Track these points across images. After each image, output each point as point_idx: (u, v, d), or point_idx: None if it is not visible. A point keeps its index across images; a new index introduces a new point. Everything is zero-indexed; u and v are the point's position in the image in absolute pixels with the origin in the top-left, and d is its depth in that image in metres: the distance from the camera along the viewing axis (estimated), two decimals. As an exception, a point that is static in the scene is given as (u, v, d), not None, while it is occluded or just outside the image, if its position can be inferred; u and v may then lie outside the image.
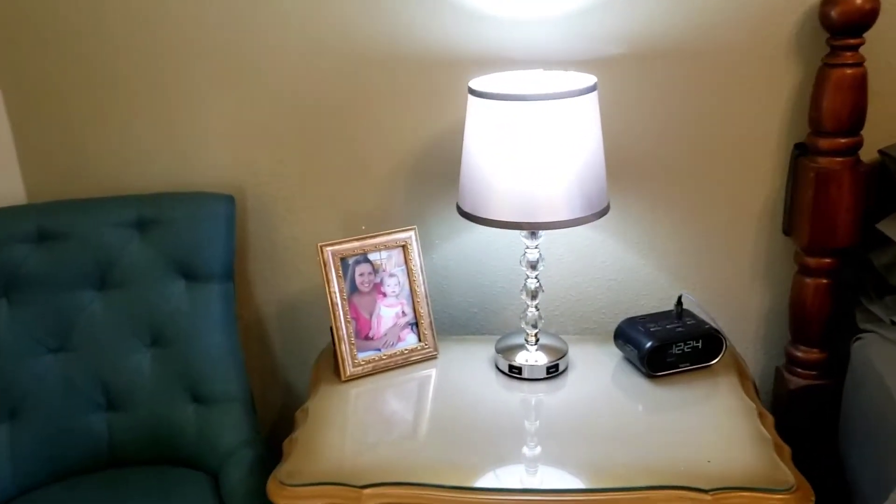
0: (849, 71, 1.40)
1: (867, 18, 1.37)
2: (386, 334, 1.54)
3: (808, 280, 1.53)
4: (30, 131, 1.68)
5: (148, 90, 1.63)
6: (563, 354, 1.51)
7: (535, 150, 1.31)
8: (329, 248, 1.50)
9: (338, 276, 1.50)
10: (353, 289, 1.52)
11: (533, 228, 1.39)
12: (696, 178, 1.60)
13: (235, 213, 1.63)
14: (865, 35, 1.39)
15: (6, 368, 1.52)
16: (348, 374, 1.50)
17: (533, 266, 1.47)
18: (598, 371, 1.51)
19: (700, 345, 1.47)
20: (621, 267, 1.67)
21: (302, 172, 1.66)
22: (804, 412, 1.56)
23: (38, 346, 1.55)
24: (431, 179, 1.64)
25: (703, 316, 1.53)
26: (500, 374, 1.51)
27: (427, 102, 1.59)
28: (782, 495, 1.16)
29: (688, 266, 1.65)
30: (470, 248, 1.68)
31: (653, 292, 1.68)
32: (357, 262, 1.53)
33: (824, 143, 1.46)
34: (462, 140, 1.41)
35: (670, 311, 1.54)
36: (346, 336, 1.50)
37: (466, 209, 1.40)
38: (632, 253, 1.65)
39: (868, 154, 1.48)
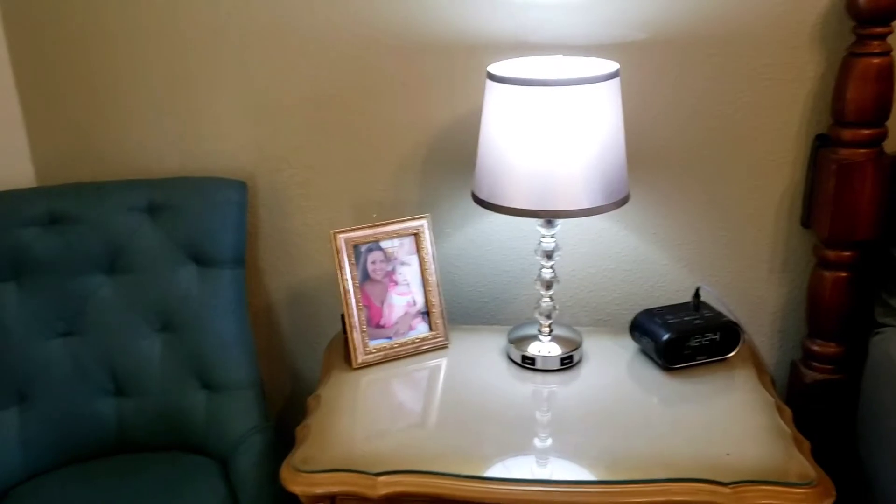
0: (875, 60, 1.38)
1: (896, 6, 1.35)
2: (397, 323, 1.53)
3: (827, 273, 1.51)
4: (40, 113, 1.66)
5: (162, 74, 1.61)
6: (578, 346, 1.49)
7: (554, 136, 1.28)
8: (342, 236, 1.48)
9: (350, 264, 1.49)
10: (365, 276, 1.51)
11: (551, 217, 1.37)
12: (716, 169, 1.57)
13: (248, 199, 1.61)
14: (893, 24, 1.37)
15: (15, 352, 1.52)
16: (360, 361, 1.48)
17: (548, 256, 1.45)
18: (614, 363, 1.49)
19: (718, 337, 1.45)
20: (637, 258, 1.65)
21: (315, 159, 1.64)
22: (820, 406, 1.54)
23: (47, 331, 1.54)
24: (446, 167, 1.62)
25: (720, 308, 1.51)
26: (513, 365, 1.49)
27: (443, 89, 1.57)
28: (803, 489, 1.14)
29: (705, 258, 1.63)
30: (483, 237, 1.66)
31: (669, 284, 1.66)
32: (370, 250, 1.51)
33: (847, 134, 1.43)
34: (478, 127, 1.38)
35: (687, 303, 1.52)
36: (357, 324, 1.48)
37: (482, 197, 1.38)
38: (648, 244, 1.63)
39: (892, 145, 1.46)
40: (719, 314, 1.49)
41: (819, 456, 1.23)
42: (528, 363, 1.48)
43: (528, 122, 1.29)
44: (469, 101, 1.55)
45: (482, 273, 1.69)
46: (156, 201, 1.57)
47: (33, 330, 1.53)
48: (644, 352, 1.50)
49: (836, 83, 1.44)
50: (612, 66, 1.34)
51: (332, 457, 1.23)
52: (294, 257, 1.72)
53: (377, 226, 1.51)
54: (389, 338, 1.52)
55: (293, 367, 1.80)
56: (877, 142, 1.43)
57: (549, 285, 1.47)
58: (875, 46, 1.37)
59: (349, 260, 1.48)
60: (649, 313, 1.50)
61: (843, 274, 1.50)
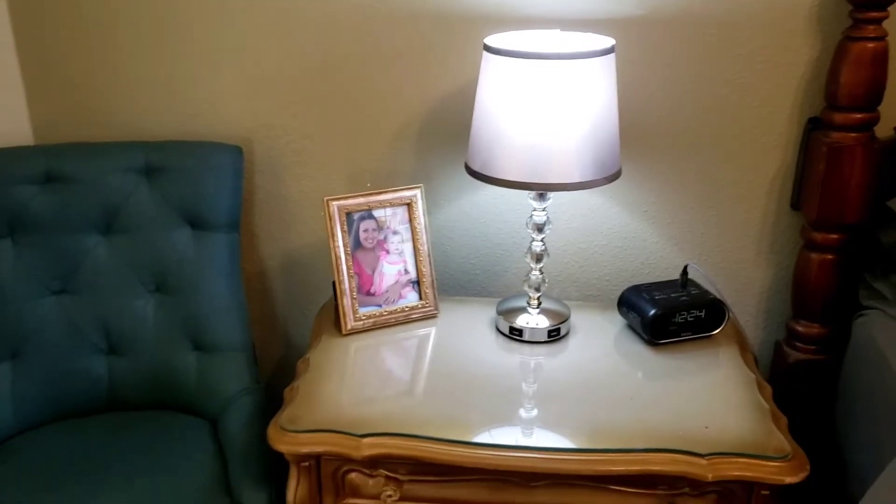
0: (870, 45, 1.39)
1: (892, -9, 1.35)
2: (387, 291, 1.54)
3: (814, 255, 1.53)
4: (39, 72, 1.66)
5: (163, 38, 1.61)
6: (566, 319, 1.51)
7: (548, 110, 1.29)
8: (335, 203, 1.50)
9: (342, 231, 1.50)
10: (357, 244, 1.52)
11: (543, 189, 1.38)
12: (708, 149, 1.59)
13: (244, 164, 1.62)
14: (890, 9, 1.37)
15: (9, 309, 1.53)
16: (349, 327, 1.50)
17: (539, 229, 1.47)
18: (600, 337, 1.51)
19: (703, 314, 1.47)
20: (628, 235, 1.66)
21: (311, 127, 1.65)
22: (801, 386, 1.57)
23: (41, 288, 1.55)
24: (441, 139, 1.63)
25: (707, 286, 1.53)
26: (501, 336, 1.51)
27: (440, 60, 1.57)
28: (778, 463, 1.17)
29: (695, 237, 1.65)
30: (475, 209, 1.68)
31: (658, 262, 1.67)
32: (362, 218, 1.52)
33: (839, 117, 1.44)
34: (473, 100, 1.39)
35: (675, 281, 1.54)
36: (348, 290, 1.50)
37: (476, 168, 1.39)
38: (639, 221, 1.65)
39: (884, 130, 1.47)
40: (706, 292, 1.51)
41: (797, 434, 1.25)
42: (515, 334, 1.50)
43: (522, 94, 1.30)
44: (465, 73, 1.55)
45: (474, 245, 1.71)
46: (153, 163, 1.58)
47: (28, 287, 1.54)
48: (631, 327, 1.52)
49: (830, 67, 1.45)
50: (608, 41, 1.35)
51: (318, 418, 1.25)
52: (288, 224, 1.73)
53: (370, 194, 1.52)
54: (379, 305, 1.54)
55: (285, 333, 1.83)
56: (868, 126, 1.44)
57: (539, 258, 1.49)
58: (870, 31, 1.38)
59: (341, 227, 1.50)
60: (637, 289, 1.52)
61: (830, 256, 1.52)
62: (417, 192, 1.55)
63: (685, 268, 1.54)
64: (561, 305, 1.55)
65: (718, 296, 1.50)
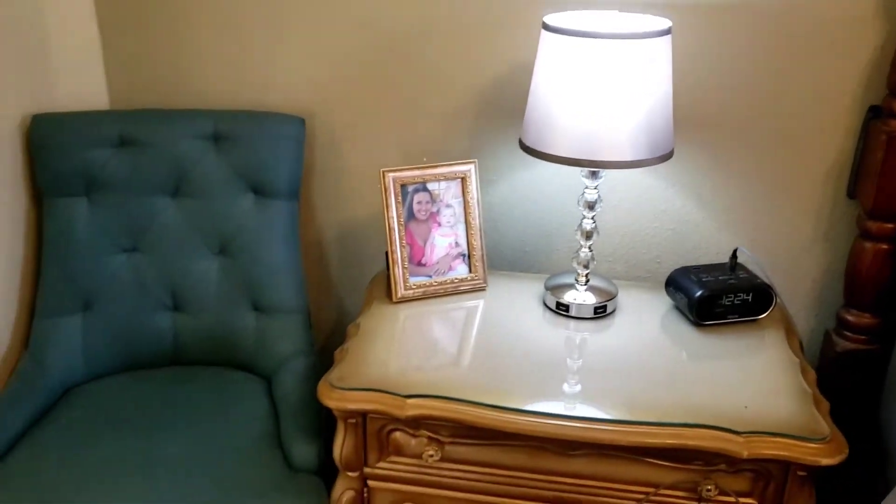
0: (935, 31, 1.36)
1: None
2: (438, 262, 1.59)
3: (868, 244, 1.51)
4: (117, 41, 1.74)
5: (235, 13, 1.68)
6: (613, 297, 1.53)
7: (605, 88, 1.31)
8: (391, 175, 1.54)
9: (397, 202, 1.55)
10: (411, 216, 1.57)
11: (595, 167, 1.40)
12: (765, 134, 1.58)
13: (305, 135, 1.68)
14: (957, -5, 1.35)
15: (83, 264, 1.62)
16: (399, 295, 1.55)
17: (591, 206, 1.49)
18: (646, 316, 1.53)
19: (750, 298, 1.47)
20: (680, 217, 1.67)
21: (370, 101, 1.70)
22: (848, 376, 1.56)
23: (113, 246, 1.64)
24: (495, 115, 1.65)
25: (756, 271, 1.53)
26: (548, 311, 1.54)
27: (498, 37, 1.60)
28: (816, 444, 1.17)
29: (747, 222, 1.65)
30: (527, 186, 1.70)
31: (709, 246, 1.68)
32: (416, 191, 1.57)
33: (901, 105, 1.42)
34: (529, 78, 1.42)
35: (724, 264, 1.54)
36: (399, 260, 1.55)
37: (529, 144, 1.42)
38: (692, 204, 1.65)
39: (946, 120, 1.44)
40: (754, 276, 1.51)
41: (843, 424, 1.24)
42: (562, 310, 1.52)
43: (579, 72, 1.32)
44: (523, 51, 1.58)
45: (525, 222, 1.73)
46: (221, 131, 1.65)
47: (100, 244, 1.63)
48: (677, 308, 1.53)
49: (894, 54, 1.43)
50: (666, 22, 1.36)
51: (365, 378, 1.31)
52: (345, 195, 1.79)
53: (425, 168, 1.56)
54: (430, 276, 1.58)
55: (339, 300, 1.89)
56: (930, 115, 1.42)
57: (588, 235, 1.51)
58: (937, 17, 1.36)
59: (396, 198, 1.54)
60: (685, 270, 1.53)
61: (884, 246, 1.50)
62: (471, 166, 1.58)
63: (734, 251, 1.54)
64: (608, 283, 1.58)
65: (767, 281, 1.50)
